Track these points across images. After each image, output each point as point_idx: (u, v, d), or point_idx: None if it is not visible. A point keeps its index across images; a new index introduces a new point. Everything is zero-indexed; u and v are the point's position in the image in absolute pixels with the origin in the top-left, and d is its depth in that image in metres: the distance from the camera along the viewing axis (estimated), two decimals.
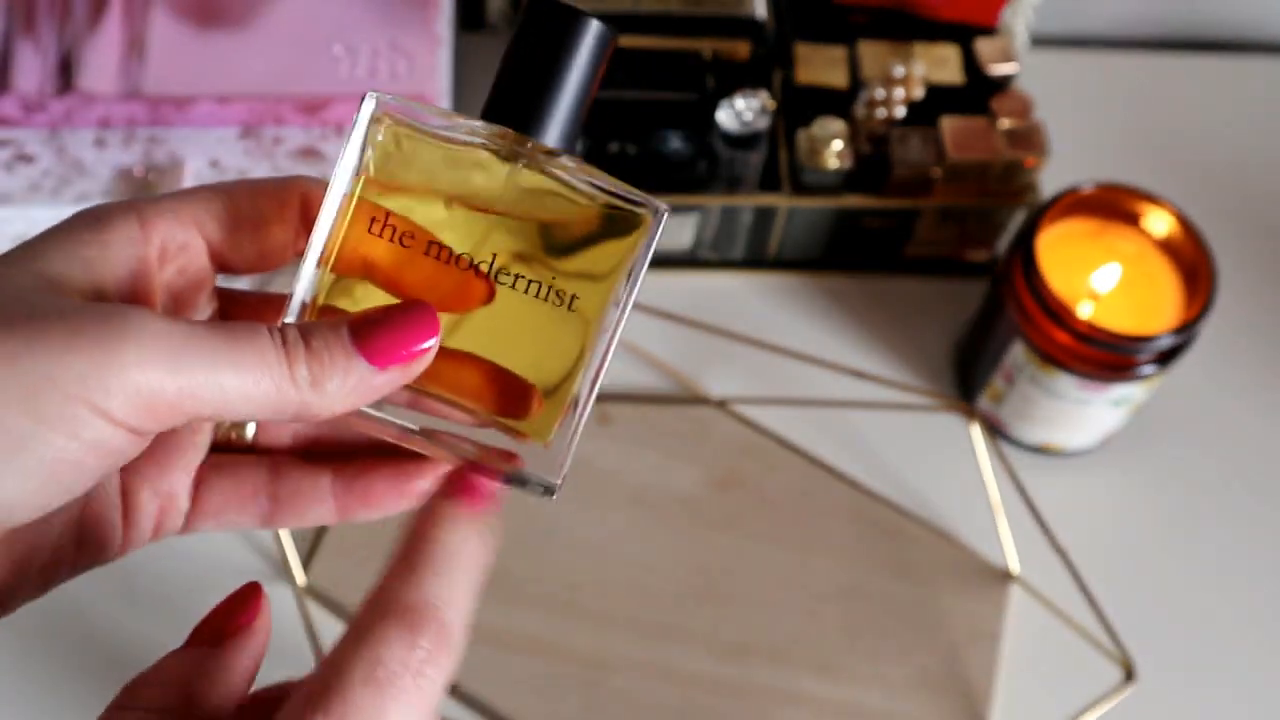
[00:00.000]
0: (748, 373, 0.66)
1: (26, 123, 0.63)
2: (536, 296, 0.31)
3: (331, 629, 0.58)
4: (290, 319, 0.31)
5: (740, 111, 0.63)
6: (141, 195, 0.31)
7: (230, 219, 0.32)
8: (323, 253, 0.31)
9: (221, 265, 0.33)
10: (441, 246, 0.31)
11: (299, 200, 0.33)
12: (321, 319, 0.30)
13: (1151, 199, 0.60)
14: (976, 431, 0.62)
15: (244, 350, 0.28)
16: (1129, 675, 0.58)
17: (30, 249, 0.29)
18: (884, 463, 0.64)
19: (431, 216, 0.31)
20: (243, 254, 0.32)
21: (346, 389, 0.29)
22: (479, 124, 0.32)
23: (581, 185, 0.31)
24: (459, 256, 0.31)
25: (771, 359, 0.65)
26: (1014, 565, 0.61)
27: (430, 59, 0.65)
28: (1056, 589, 0.61)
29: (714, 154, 0.64)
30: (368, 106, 0.31)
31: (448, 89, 0.67)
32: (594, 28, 0.31)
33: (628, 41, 0.65)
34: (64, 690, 0.57)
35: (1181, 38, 0.81)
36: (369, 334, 0.29)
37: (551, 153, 0.32)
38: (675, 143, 0.63)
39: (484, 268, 0.31)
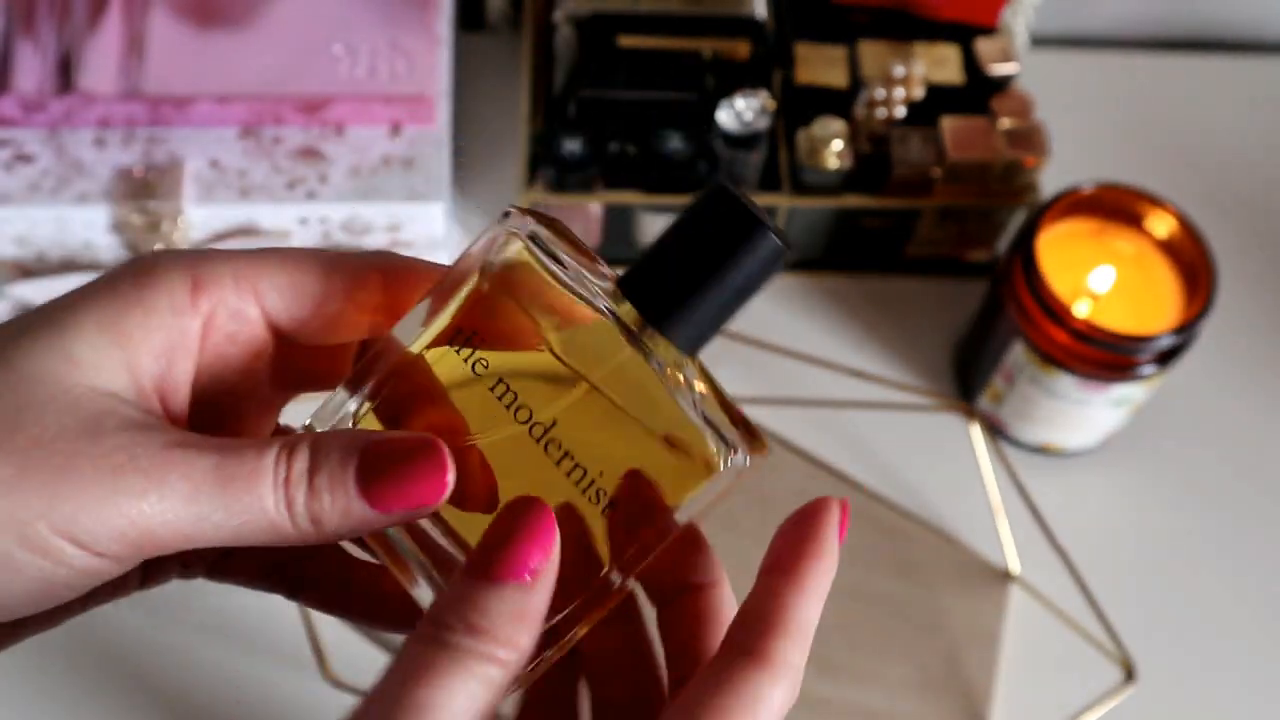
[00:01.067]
0: (748, 373, 0.66)
1: (26, 122, 0.63)
2: (576, 484, 0.29)
3: (332, 629, 0.58)
4: (317, 424, 0.30)
5: (740, 111, 0.63)
6: (191, 250, 0.27)
7: (295, 294, 0.29)
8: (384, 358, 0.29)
9: (281, 336, 0.30)
10: (509, 389, 0.29)
11: (378, 280, 0.30)
12: (332, 444, 0.28)
13: (1152, 199, 0.60)
14: (976, 431, 0.62)
15: (239, 495, 0.27)
16: (1129, 675, 0.58)
17: (69, 310, 0.27)
18: (884, 463, 0.64)
19: (515, 357, 0.29)
20: (306, 331, 0.30)
21: (344, 529, 0.28)
22: (609, 283, 0.29)
23: (684, 402, 0.28)
24: (520, 408, 0.29)
25: (771, 359, 0.65)
26: (1014, 565, 0.61)
27: (430, 59, 0.65)
28: (1056, 589, 0.61)
29: (714, 154, 0.63)
30: (509, 222, 0.29)
31: (448, 89, 0.66)
32: (770, 243, 0.28)
33: (628, 41, 0.65)
34: (64, 690, 0.57)
35: (1181, 38, 0.81)
36: (377, 481, 0.27)
37: (676, 357, 0.29)
38: (675, 143, 0.63)
39: (538, 429, 0.29)
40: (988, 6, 0.68)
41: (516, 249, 0.29)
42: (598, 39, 0.65)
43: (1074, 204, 0.60)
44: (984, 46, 0.68)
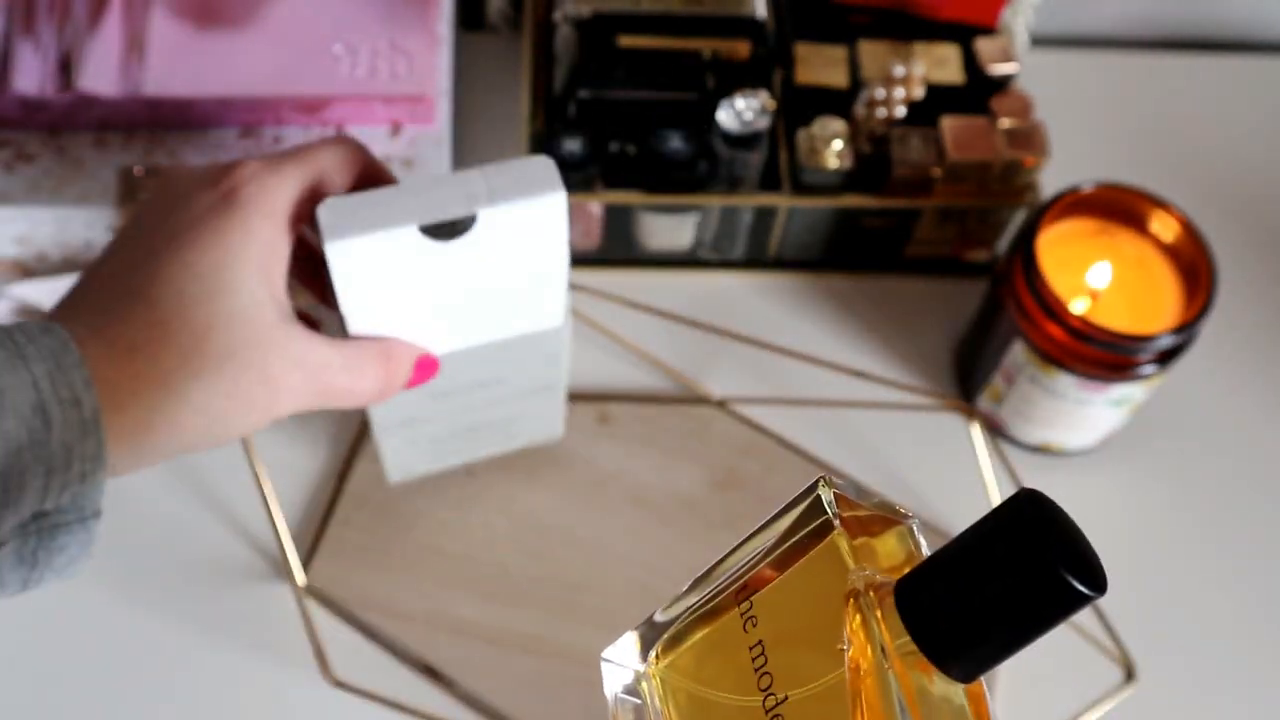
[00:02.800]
0: (748, 373, 0.66)
1: (26, 122, 0.63)
2: None
3: (332, 629, 0.58)
4: None
5: (740, 111, 0.63)
6: (270, 176, 0.45)
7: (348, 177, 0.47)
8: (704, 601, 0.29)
9: None
10: (764, 654, 0.29)
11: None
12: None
13: (1152, 199, 0.60)
14: (977, 431, 0.62)
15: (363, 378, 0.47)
16: (1129, 675, 0.58)
17: (219, 252, 0.44)
18: (884, 463, 0.64)
19: (784, 627, 0.29)
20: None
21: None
22: (886, 578, 0.28)
23: None
24: (764, 674, 0.28)
25: (771, 359, 0.65)
26: None
27: (430, 59, 0.65)
28: None
29: (714, 154, 0.64)
30: (824, 497, 0.29)
31: (448, 89, 0.67)
32: (1070, 590, 0.25)
33: (628, 41, 0.65)
34: (63, 691, 0.57)
35: (1182, 38, 0.81)
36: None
37: (943, 685, 0.27)
38: (675, 143, 0.63)
39: (771, 701, 0.28)
40: (988, 6, 0.68)
41: (828, 530, 0.28)
42: (598, 39, 0.65)
43: (1074, 204, 0.60)
44: (984, 46, 0.68)
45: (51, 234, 0.63)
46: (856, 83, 0.68)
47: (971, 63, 0.68)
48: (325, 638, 0.57)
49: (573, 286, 0.67)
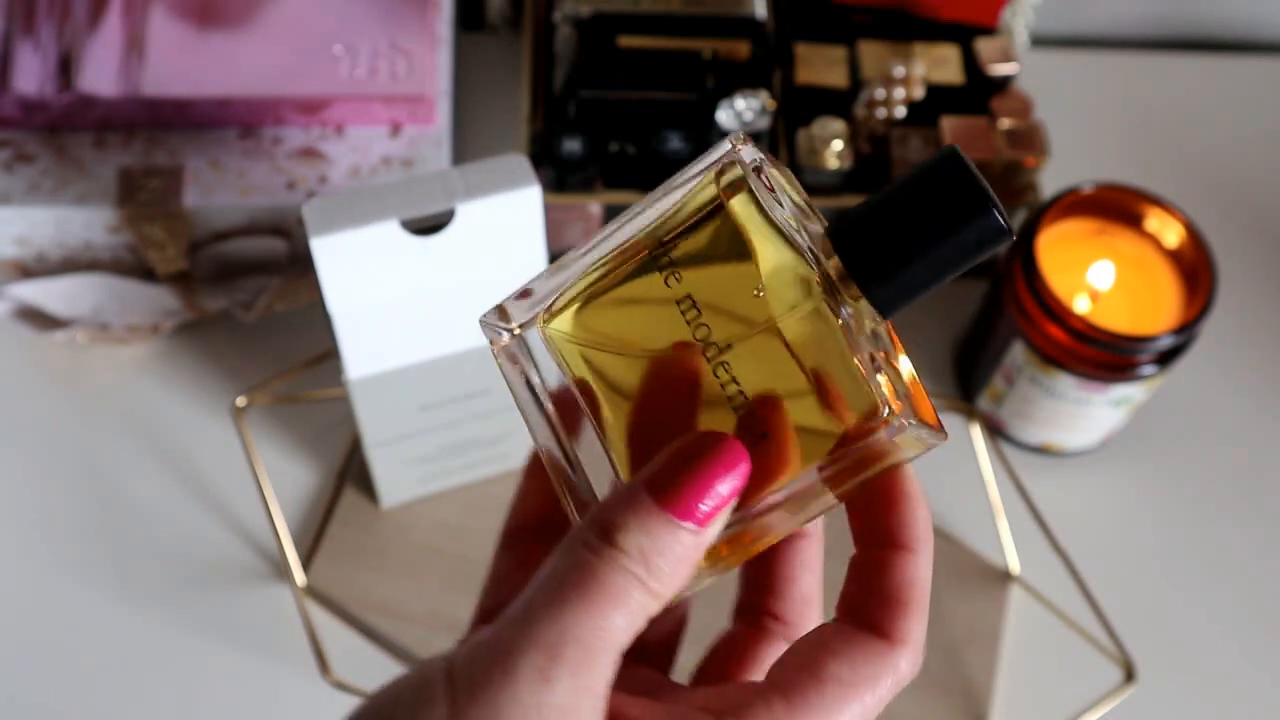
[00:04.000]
0: None
1: (26, 123, 0.63)
2: (734, 410, 0.29)
3: (332, 629, 0.58)
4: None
5: (740, 111, 0.62)
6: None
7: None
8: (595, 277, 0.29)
9: None
10: (695, 306, 0.29)
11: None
12: (621, 505, 0.27)
13: (1152, 199, 0.60)
14: (977, 431, 0.62)
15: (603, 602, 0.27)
16: (1129, 675, 0.58)
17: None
18: None
19: (708, 278, 0.29)
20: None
21: (689, 563, 0.28)
22: (818, 231, 0.29)
23: (860, 360, 0.28)
24: (700, 326, 0.29)
25: None
26: (1014, 565, 0.61)
27: (430, 59, 0.65)
28: (1056, 589, 0.61)
29: None
30: (735, 150, 0.29)
31: (448, 89, 0.66)
32: (995, 225, 0.28)
33: (628, 41, 0.65)
34: (64, 690, 0.57)
35: (1181, 38, 0.81)
36: (672, 493, 0.27)
37: (871, 316, 0.29)
38: (675, 143, 0.63)
39: (712, 350, 0.29)
40: (987, 6, 0.68)
41: (736, 176, 0.29)
42: (598, 39, 0.65)
43: (1074, 204, 0.60)
44: (984, 46, 0.68)
45: (51, 234, 0.63)
46: (856, 83, 0.68)
47: (971, 63, 0.68)
48: (325, 638, 0.57)
49: None
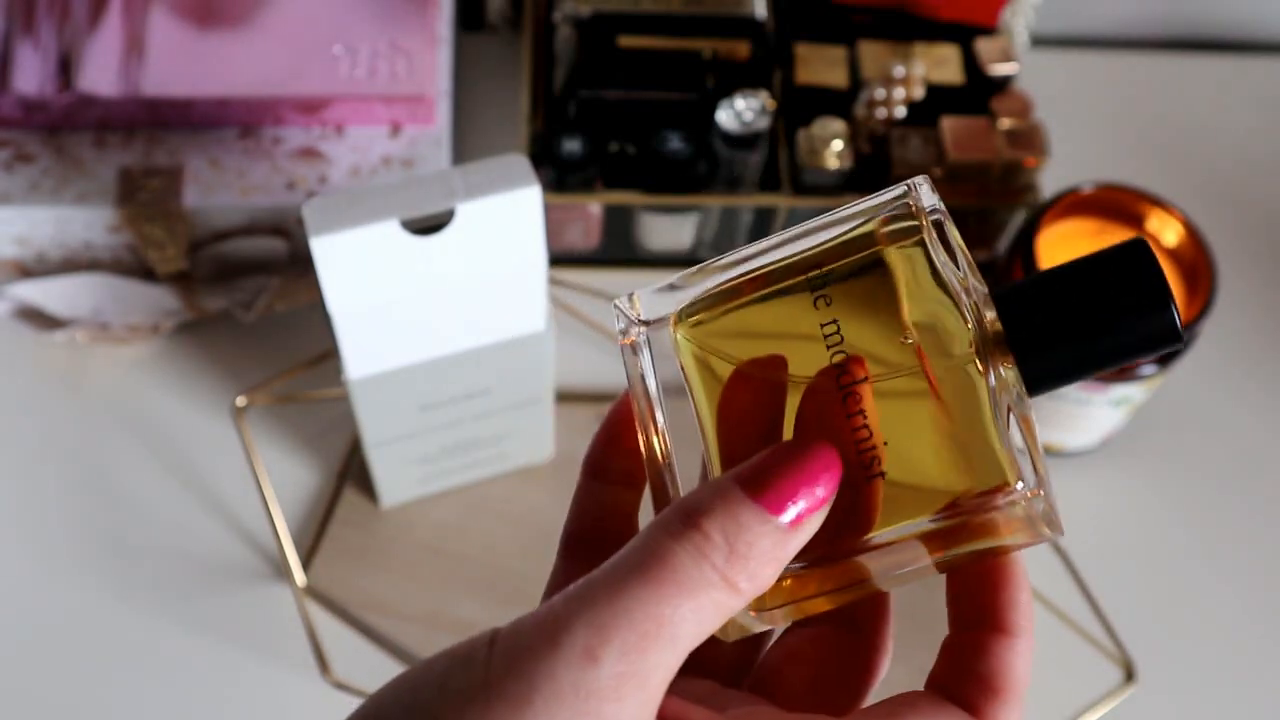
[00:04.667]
0: None
1: (26, 122, 0.63)
2: (856, 444, 0.27)
3: (332, 629, 0.58)
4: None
5: (740, 111, 0.63)
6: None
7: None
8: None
9: None
10: (839, 331, 0.28)
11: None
12: (709, 493, 0.26)
13: (1152, 199, 0.60)
14: None
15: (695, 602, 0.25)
16: (1129, 676, 0.58)
17: None
18: None
19: (859, 308, 0.28)
20: None
21: (774, 562, 0.26)
22: (981, 290, 0.28)
23: (999, 427, 0.26)
24: (839, 351, 0.28)
25: None
26: None
27: (430, 59, 0.65)
28: (1057, 589, 0.61)
29: (714, 154, 0.63)
30: (918, 193, 0.28)
31: (448, 89, 0.66)
32: (1169, 325, 0.26)
33: (628, 41, 0.65)
34: (64, 690, 0.57)
35: (1182, 38, 0.81)
36: (764, 487, 0.26)
37: (1017, 388, 0.27)
38: (675, 143, 0.63)
39: (847, 378, 0.27)
40: (987, 7, 0.68)
41: (909, 225, 0.28)
42: (598, 39, 0.65)
43: (1074, 204, 0.60)
44: (984, 47, 0.68)
45: (51, 234, 0.63)
46: (856, 83, 0.68)
47: (971, 63, 0.68)
48: (325, 638, 0.57)
49: (573, 286, 0.67)
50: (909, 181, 0.28)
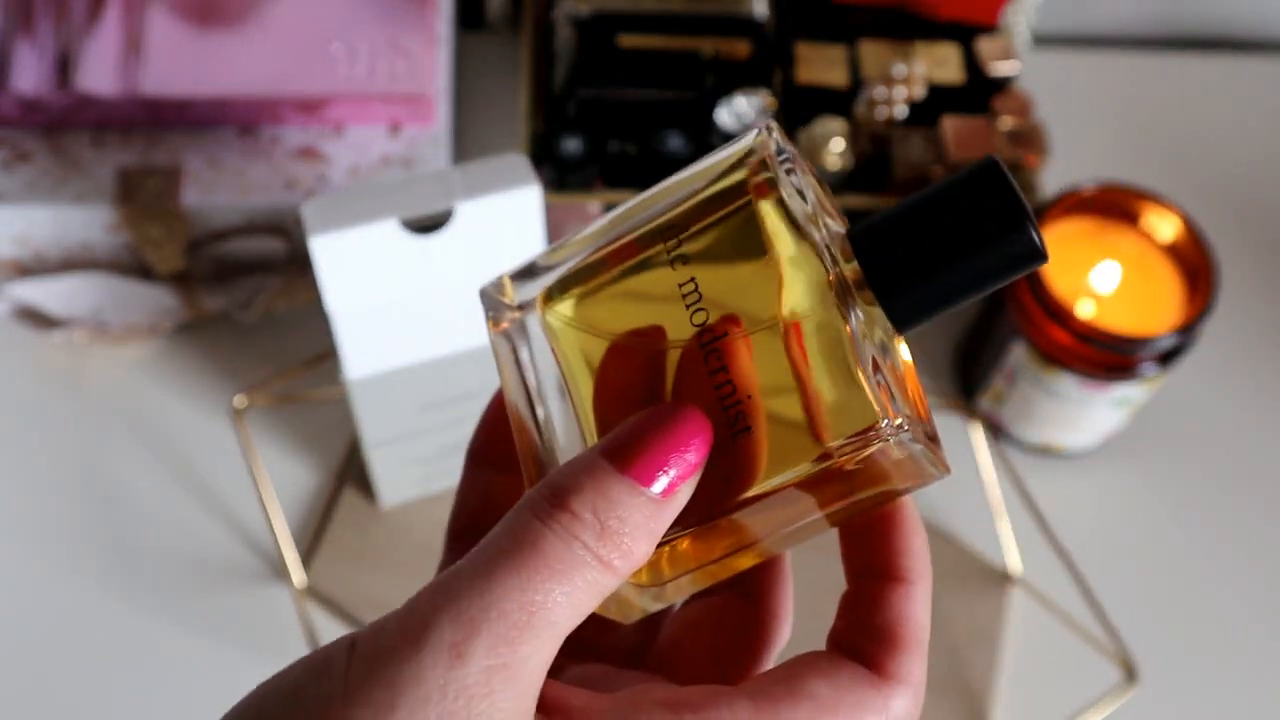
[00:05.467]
0: None
1: (24, 122, 0.63)
2: (720, 400, 0.26)
3: (331, 629, 0.58)
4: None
5: (740, 111, 0.62)
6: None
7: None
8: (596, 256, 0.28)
9: None
10: (696, 289, 0.27)
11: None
12: (575, 470, 0.25)
13: (1153, 199, 0.60)
14: (978, 432, 0.62)
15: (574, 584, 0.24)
16: (1130, 676, 0.58)
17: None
18: None
19: (715, 260, 0.27)
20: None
21: (648, 535, 0.25)
22: (836, 228, 0.27)
23: (863, 375, 0.25)
24: (699, 310, 0.27)
25: None
26: (1015, 566, 0.61)
27: (429, 58, 0.65)
28: (1058, 589, 0.60)
29: None
30: (763, 139, 0.27)
31: (447, 89, 0.66)
32: (1029, 244, 0.25)
33: (628, 41, 0.65)
34: (63, 690, 0.57)
35: (1182, 37, 0.81)
36: (631, 458, 0.25)
37: (883, 328, 0.27)
38: (675, 142, 0.63)
39: (708, 335, 0.27)
40: (988, 6, 0.68)
41: (766, 175, 0.27)
42: (598, 39, 0.65)
43: (1075, 204, 0.60)
44: (985, 46, 0.68)
45: (49, 233, 0.62)
46: (857, 82, 0.68)
47: (972, 62, 0.68)
48: (325, 638, 0.57)
49: None
50: (759, 128, 0.28)
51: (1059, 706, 0.58)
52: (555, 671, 0.27)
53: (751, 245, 0.27)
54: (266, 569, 0.60)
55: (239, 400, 0.60)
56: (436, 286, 0.49)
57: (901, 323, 0.27)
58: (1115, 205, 0.61)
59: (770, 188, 0.27)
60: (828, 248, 0.26)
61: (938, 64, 0.68)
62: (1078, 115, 0.74)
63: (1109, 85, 0.78)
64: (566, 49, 0.66)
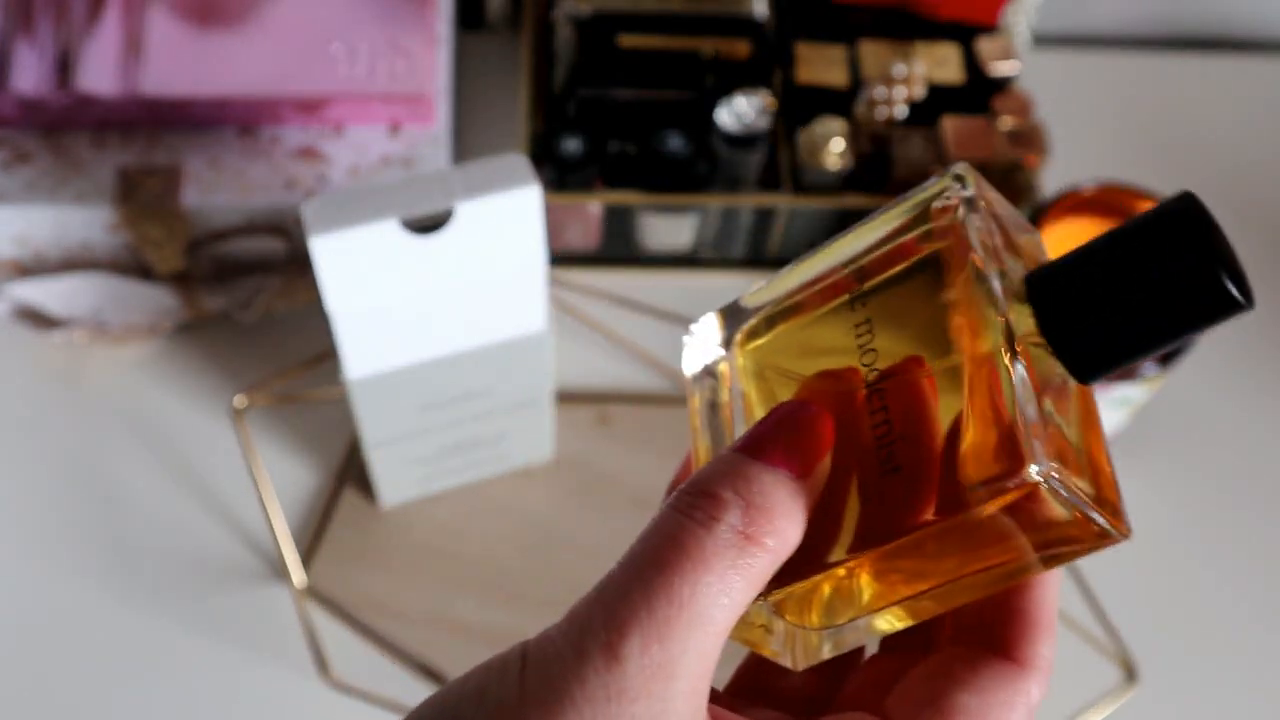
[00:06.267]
0: None
1: (24, 122, 0.63)
2: (877, 440, 0.26)
3: (331, 629, 0.58)
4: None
5: (740, 111, 0.62)
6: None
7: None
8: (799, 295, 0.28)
9: None
10: (871, 330, 0.27)
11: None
12: (713, 466, 0.25)
13: (1153, 199, 0.60)
14: None
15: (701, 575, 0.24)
16: (1130, 676, 0.58)
17: None
18: None
19: (895, 302, 0.27)
20: None
21: (794, 514, 0.25)
22: (1018, 268, 0.26)
23: (1023, 414, 0.24)
24: (868, 351, 0.27)
25: None
26: None
27: (429, 58, 0.65)
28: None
29: (714, 154, 0.63)
30: (958, 186, 0.26)
31: (447, 88, 0.66)
32: (1224, 294, 0.24)
33: (628, 41, 0.65)
34: (63, 691, 0.57)
35: (1182, 37, 0.81)
36: (763, 447, 0.25)
37: (1060, 376, 0.25)
38: (675, 143, 0.63)
39: (873, 375, 0.26)
40: (988, 6, 0.68)
41: (948, 221, 0.27)
42: (598, 39, 0.65)
43: (1075, 204, 0.60)
44: (985, 46, 0.68)
45: (49, 234, 0.62)
46: (857, 82, 0.68)
47: (972, 62, 0.68)
48: (325, 638, 0.57)
49: (573, 286, 0.67)
50: (950, 172, 0.27)
51: (1059, 706, 0.58)
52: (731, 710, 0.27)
53: (927, 289, 0.27)
54: (266, 569, 0.60)
55: (239, 400, 0.60)
56: (436, 286, 0.49)
57: (1081, 373, 0.25)
58: (1115, 205, 0.61)
59: (950, 233, 0.26)
60: (1000, 291, 0.25)
61: (938, 64, 0.68)
62: (1078, 115, 0.74)
63: (1109, 85, 0.78)
64: (566, 49, 0.66)
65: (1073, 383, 0.26)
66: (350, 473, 0.62)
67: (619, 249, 0.68)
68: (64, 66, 0.63)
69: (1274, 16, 0.80)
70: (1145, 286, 0.24)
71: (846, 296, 0.28)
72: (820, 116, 0.64)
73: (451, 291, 0.49)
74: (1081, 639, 0.60)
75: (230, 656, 0.58)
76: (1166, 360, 0.58)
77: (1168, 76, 0.78)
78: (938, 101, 0.66)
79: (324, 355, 0.62)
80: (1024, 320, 0.25)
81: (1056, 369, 0.25)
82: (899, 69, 0.65)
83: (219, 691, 0.57)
